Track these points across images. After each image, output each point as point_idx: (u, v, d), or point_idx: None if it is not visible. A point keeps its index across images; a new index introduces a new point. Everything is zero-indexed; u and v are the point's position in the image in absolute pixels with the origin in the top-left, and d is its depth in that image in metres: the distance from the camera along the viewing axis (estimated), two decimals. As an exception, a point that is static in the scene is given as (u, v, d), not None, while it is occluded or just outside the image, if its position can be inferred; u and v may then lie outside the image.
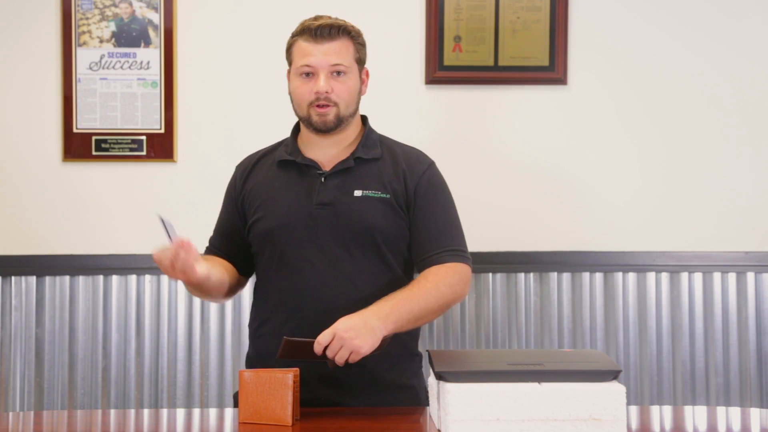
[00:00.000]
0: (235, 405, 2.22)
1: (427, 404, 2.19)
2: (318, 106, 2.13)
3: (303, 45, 2.14)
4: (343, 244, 2.12)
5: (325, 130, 2.16)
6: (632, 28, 3.25)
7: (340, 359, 1.94)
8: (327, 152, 2.20)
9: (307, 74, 2.14)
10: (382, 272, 2.14)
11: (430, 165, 2.24)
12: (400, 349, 2.19)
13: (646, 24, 3.25)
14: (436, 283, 2.09)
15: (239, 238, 2.25)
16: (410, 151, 2.26)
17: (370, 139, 2.22)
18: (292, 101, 2.19)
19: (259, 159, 2.29)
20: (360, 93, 2.21)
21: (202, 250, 2.29)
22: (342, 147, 2.20)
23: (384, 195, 2.15)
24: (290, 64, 2.19)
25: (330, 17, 2.18)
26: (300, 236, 2.13)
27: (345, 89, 2.14)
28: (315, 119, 2.15)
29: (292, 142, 2.24)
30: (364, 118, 2.28)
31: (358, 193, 2.15)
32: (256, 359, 2.21)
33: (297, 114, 2.20)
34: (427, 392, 2.23)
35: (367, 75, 2.24)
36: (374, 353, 1.99)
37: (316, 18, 2.17)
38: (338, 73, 2.13)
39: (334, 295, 2.08)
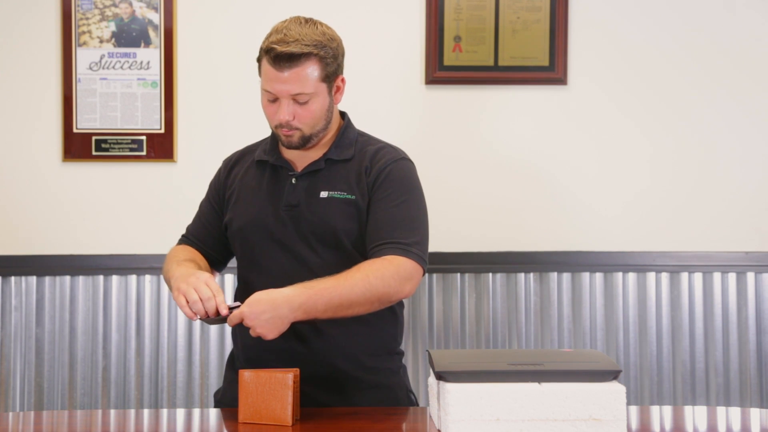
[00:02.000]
0: (215, 405, 2.23)
1: (408, 403, 2.19)
2: (282, 129, 2.10)
3: (267, 67, 2.07)
4: (309, 245, 2.11)
5: (292, 149, 2.15)
6: (632, 29, 3.25)
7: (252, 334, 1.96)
8: (301, 153, 2.18)
9: (271, 99, 2.09)
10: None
11: (397, 161, 2.16)
12: (375, 348, 2.17)
13: (647, 24, 3.25)
14: (366, 274, 2.01)
15: (216, 231, 2.27)
16: (383, 147, 2.19)
17: (346, 139, 2.19)
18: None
19: (242, 156, 2.29)
20: (331, 106, 2.14)
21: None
22: (316, 148, 2.19)
23: (349, 196, 2.12)
24: (260, 75, 2.13)
25: (302, 25, 2.08)
26: (268, 236, 2.14)
27: (308, 114, 2.09)
28: (282, 139, 2.13)
29: (271, 141, 2.23)
30: (344, 114, 2.24)
31: (323, 194, 2.13)
32: (235, 359, 2.24)
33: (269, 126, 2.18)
34: (409, 392, 2.22)
35: (343, 82, 2.16)
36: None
37: (287, 30, 2.06)
38: (301, 99, 2.07)
39: None
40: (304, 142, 2.13)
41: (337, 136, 2.19)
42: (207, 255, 2.28)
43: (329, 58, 2.08)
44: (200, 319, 2.00)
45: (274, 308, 1.93)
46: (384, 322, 2.18)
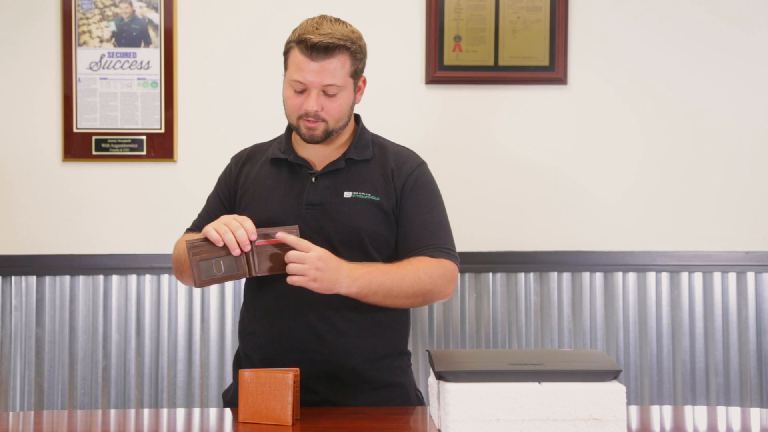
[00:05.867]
0: (225, 404, 2.23)
1: (418, 403, 2.20)
2: (306, 120, 2.11)
3: (298, 57, 2.09)
4: (331, 245, 2.11)
5: (312, 143, 2.15)
6: (632, 28, 3.25)
7: (290, 276, 1.95)
8: (319, 152, 2.20)
9: (300, 89, 2.11)
10: None
11: (420, 165, 2.22)
12: (389, 348, 2.19)
13: (646, 24, 3.25)
14: (417, 269, 2.08)
15: None
16: (401, 151, 2.24)
17: (363, 140, 2.21)
18: (283, 106, 2.18)
19: (253, 153, 2.28)
20: (353, 104, 2.17)
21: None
22: (334, 147, 2.20)
23: (373, 197, 2.15)
24: (285, 68, 2.15)
25: (332, 23, 2.11)
26: None
27: (335, 107, 2.11)
28: (303, 132, 2.14)
29: (286, 140, 2.24)
30: (357, 117, 2.27)
31: (347, 194, 2.14)
32: (244, 358, 2.22)
33: (288, 120, 2.18)
34: (417, 390, 2.24)
35: (364, 83, 2.20)
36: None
37: (318, 24, 2.09)
38: (330, 91, 2.10)
39: (320, 295, 2.05)
40: (326, 137, 2.14)
41: (354, 136, 2.21)
42: None
43: (359, 54, 2.13)
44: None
45: (338, 270, 1.98)
46: (397, 323, 2.21)
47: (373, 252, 2.14)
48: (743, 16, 3.26)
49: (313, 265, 1.96)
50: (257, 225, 2.13)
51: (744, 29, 3.26)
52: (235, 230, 1.98)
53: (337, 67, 2.08)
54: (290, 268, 1.96)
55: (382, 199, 2.15)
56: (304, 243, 1.97)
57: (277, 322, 2.13)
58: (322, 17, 2.13)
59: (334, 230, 2.12)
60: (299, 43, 2.08)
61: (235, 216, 2.02)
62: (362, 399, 2.12)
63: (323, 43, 2.05)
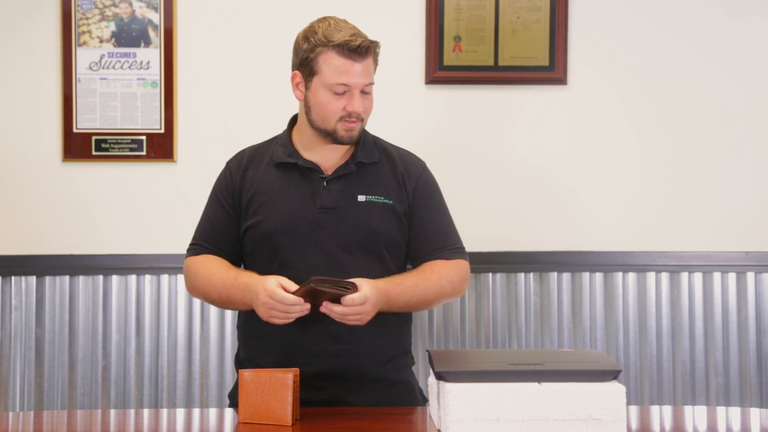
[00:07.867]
0: (231, 404, 2.23)
1: (423, 400, 2.21)
2: (347, 121, 2.13)
3: (338, 60, 2.09)
4: (347, 248, 2.12)
5: (350, 143, 2.18)
6: (632, 28, 3.25)
7: (341, 319, 2.01)
8: (327, 155, 2.19)
9: (341, 91, 2.12)
10: (382, 275, 2.13)
11: (424, 167, 2.27)
12: (397, 348, 2.21)
13: (646, 24, 3.25)
14: (439, 277, 2.15)
15: (232, 235, 2.22)
16: (403, 153, 2.28)
17: (367, 142, 2.23)
18: (311, 111, 2.15)
19: (253, 157, 2.25)
20: None
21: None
22: (341, 150, 2.20)
23: (387, 201, 2.17)
24: (313, 72, 2.12)
25: (345, 22, 2.15)
26: (303, 239, 2.13)
27: (370, 105, 2.18)
28: (342, 134, 2.14)
29: (288, 142, 2.22)
30: None
31: (361, 198, 2.16)
32: (247, 362, 2.19)
33: (317, 125, 2.15)
34: (420, 388, 2.25)
35: None
36: None
37: (338, 26, 2.12)
38: (368, 89, 2.15)
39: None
40: (359, 135, 2.18)
41: (360, 138, 2.22)
42: (227, 260, 2.23)
43: (378, 56, 2.19)
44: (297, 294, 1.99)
45: (376, 303, 2.03)
46: (405, 322, 2.25)
47: (387, 255, 2.16)
48: (743, 17, 3.26)
49: (369, 314, 2.03)
50: (269, 230, 2.14)
51: (745, 25, 3.26)
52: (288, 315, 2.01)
53: (371, 65, 2.15)
54: (349, 320, 2.01)
55: (395, 203, 2.17)
56: (359, 298, 1.99)
57: (293, 325, 2.08)
58: (335, 18, 2.16)
59: (350, 234, 2.12)
60: (336, 47, 2.09)
61: (271, 302, 2.00)
62: (372, 397, 2.13)
63: (364, 45, 2.10)
